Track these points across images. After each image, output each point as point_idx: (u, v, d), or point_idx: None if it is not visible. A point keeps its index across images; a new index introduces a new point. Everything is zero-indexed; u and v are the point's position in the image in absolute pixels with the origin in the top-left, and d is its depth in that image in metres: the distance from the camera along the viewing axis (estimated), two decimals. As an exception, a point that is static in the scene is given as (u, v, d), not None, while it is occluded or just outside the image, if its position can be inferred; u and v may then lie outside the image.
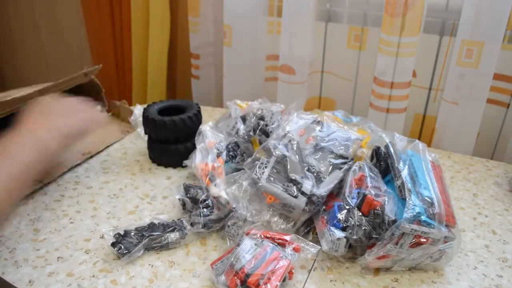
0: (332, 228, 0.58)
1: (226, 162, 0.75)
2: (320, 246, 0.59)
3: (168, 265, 0.61)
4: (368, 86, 1.03)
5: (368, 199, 0.58)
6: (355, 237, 0.57)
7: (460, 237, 0.59)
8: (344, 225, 0.58)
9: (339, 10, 1.03)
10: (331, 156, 0.67)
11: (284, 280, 0.55)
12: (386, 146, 0.67)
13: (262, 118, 0.78)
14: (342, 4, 1.02)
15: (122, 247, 0.60)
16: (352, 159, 0.67)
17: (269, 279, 0.53)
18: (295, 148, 0.66)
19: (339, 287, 0.58)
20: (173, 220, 0.67)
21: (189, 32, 1.19)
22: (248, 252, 0.56)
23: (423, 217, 0.55)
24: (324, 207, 0.63)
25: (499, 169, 0.87)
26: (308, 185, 0.63)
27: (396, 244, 0.56)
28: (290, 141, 0.67)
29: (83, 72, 0.88)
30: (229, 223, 0.64)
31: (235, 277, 0.54)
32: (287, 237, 0.59)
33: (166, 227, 0.64)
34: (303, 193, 0.62)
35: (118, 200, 0.74)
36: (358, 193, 0.60)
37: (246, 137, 0.77)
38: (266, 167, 0.65)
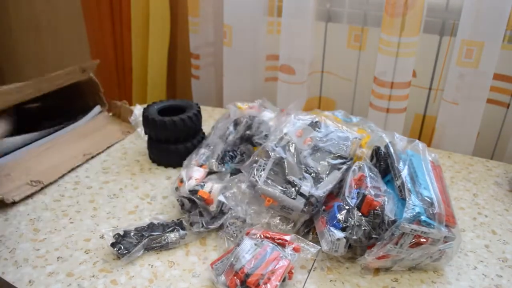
0: (332, 228, 0.58)
1: (226, 162, 0.75)
2: (320, 246, 0.60)
3: (168, 265, 0.61)
4: (368, 86, 1.03)
5: (367, 199, 0.58)
6: (355, 237, 0.57)
7: (460, 237, 0.59)
8: (344, 225, 0.58)
9: (339, 10, 1.03)
10: (329, 156, 0.67)
11: (284, 280, 0.55)
12: (386, 146, 0.67)
13: (249, 127, 0.78)
14: (342, 4, 1.02)
15: (122, 247, 0.60)
16: (351, 159, 0.67)
17: (269, 279, 0.53)
18: (292, 150, 0.67)
19: (339, 287, 0.58)
20: (173, 220, 0.67)
21: (189, 32, 1.19)
22: (248, 252, 0.56)
23: (423, 217, 0.55)
24: (324, 207, 0.63)
25: (499, 169, 0.87)
26: (306, 186, 0.63)
27: (396, 244, 0.56)
28: (287, 143, 0.67)
29: (80, 66, 0.87)
30: (227, 223, 0.64)
31: (235, 277, 0.54)
32: (287, 237, 0.59)
33: (165, 227, 0.64)
34: (301, 194, 0.62)
35: (118, 200, 0.74)
36: (358, 193, 0.60)
37: (234, 144, 0.77)
38: (264, 169, 0.65)
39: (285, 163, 0.65)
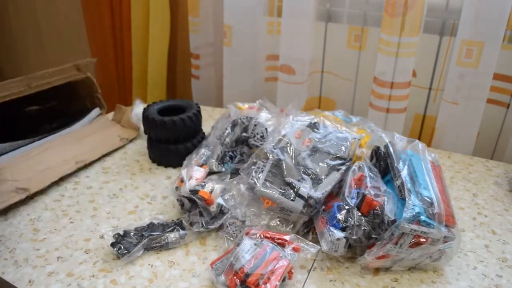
0: (332, 228, 0.58)
1: (226, 163, 0.75)
2: (320, 246, 0.60)
3: (167, 265, 0.61)
4: (368, 86, 1.03)
5: (367, 199, 0.58)
6: (354, 237, 0.57)
7: (460, 237, 0.59)
8: (344, 225, 0.58)
9: (339, 10, 1.03)
10: (328, 157, 0.67)
11: (283, 280, 0.55)
12: (386, 146, 0.67)
13: (245, 129, 0.78)
14: (342, 4, 1.02)
15: (122, 247, 0.60)
16: (350, 159, 0.67)
17: (268, 279, 0.53)
18: (290, 152, 0.66)
19: (338, 287, 0.58)
20: (173, 220, 0.67)
21: (189, 32, 1.19)
22: (247, 252, 0.56)
23: (422, 217, 0.55)
24: (323, 207, 0.63)
25: (499, 169, 0.87)
26: (305, 188, 0.63)
27: (396, 244, 0.56)
28: (286, 144, 0.67)
29: (74, 64, 0.82)
30: (227, 223, 0.64)
31: (235, 277, 0.54)
32: (287, 237, 0.59)
33: (165, 227, 0.65)
34: (300, 196, 0.62)
35: (118, 200, 0.74)
36: (358, 193, 0.60)
37: (231, 147, 0.77)
38: (262, 171, 0.65)
39: (284, 165, 0.65)
